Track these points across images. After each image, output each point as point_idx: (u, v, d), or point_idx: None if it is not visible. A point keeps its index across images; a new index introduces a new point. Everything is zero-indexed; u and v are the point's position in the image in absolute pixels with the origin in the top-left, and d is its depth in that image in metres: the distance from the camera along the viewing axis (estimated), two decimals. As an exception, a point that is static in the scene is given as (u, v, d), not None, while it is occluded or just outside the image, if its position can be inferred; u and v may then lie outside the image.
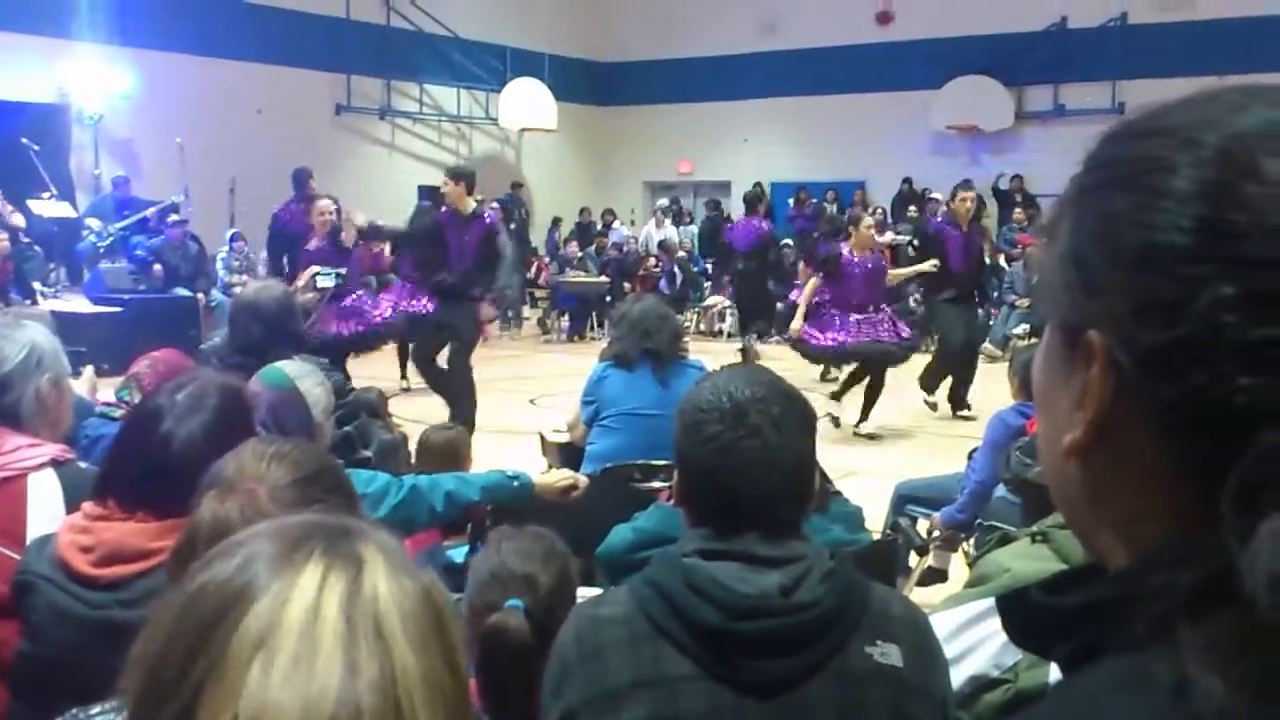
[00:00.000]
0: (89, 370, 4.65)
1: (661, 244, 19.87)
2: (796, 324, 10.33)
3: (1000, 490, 4.98)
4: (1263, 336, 0.63)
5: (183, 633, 0.87)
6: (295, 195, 13.21)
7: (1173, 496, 0.68)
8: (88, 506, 2.23)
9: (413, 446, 5.48)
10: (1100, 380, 0.70)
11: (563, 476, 3.74)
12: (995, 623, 2.26)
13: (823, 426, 9.66)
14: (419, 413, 9.68)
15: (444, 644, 0.91)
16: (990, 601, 2.29)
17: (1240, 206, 0.65)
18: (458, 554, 3.97)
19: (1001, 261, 17.66)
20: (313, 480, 1.64)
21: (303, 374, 3.24)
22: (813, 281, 10.53)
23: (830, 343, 10.05)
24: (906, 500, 5.82)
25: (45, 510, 2.59)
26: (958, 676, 2.15)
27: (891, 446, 9.59)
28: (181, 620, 0.88)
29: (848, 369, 10.50)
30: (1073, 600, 0.73)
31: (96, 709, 1.51)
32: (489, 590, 2.29)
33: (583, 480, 3.71)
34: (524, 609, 2.22)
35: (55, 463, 2.69)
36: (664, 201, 22.08)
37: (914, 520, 5.68)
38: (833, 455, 8.96)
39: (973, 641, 2.27)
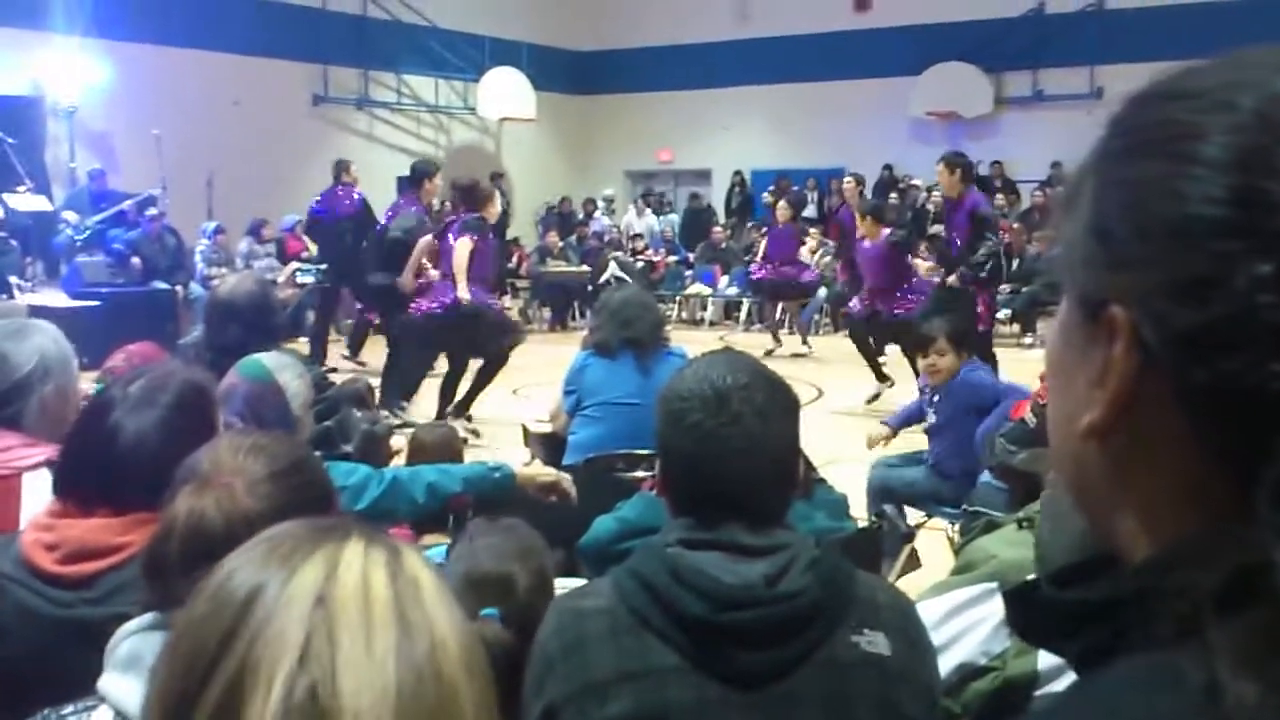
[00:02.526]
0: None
1: (609, 238, 19.76)
2: None
3: (985, 476, 4.99)
4: None
5: (223, 605, 0.86)
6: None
7: (1201, 484, 0.64)
8: (51, 504, 2.19)
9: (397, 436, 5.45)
10: (1123, 359, 0.66)
11: (547, 474, 3.70)
12: (982, 610, 2.25)
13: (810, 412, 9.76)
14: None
15: (470, 626, 0.94)
16: (977, 589, 2.28)
17: (1278, 175, 0.61)
18: (436, 553, 3.92)
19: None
20: (290, 473, 1.61)
21: (282, 366, 3.20)
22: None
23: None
24: (882, 496, 5.85)
25: (38, 509, 2.57)
26: (944, 664, 2.13)
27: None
28: (220, 596, 0.87)
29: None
30: (1090, 594, 0.69)
31: (69, 709, 1.48)
32: (464, 597, 2.17)
33: (567, 481, 3.60)
34: (500, 616, 2.16)
35: (50, 463, 2.67)
36: (608, 192, 22.02)
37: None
38: (815, 442, 8.92)
39: (959, 629, 2.25)
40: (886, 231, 10.45)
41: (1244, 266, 0.60)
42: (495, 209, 9.55)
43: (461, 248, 8.93)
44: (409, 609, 0.86)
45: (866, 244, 10.57)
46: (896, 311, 10.17)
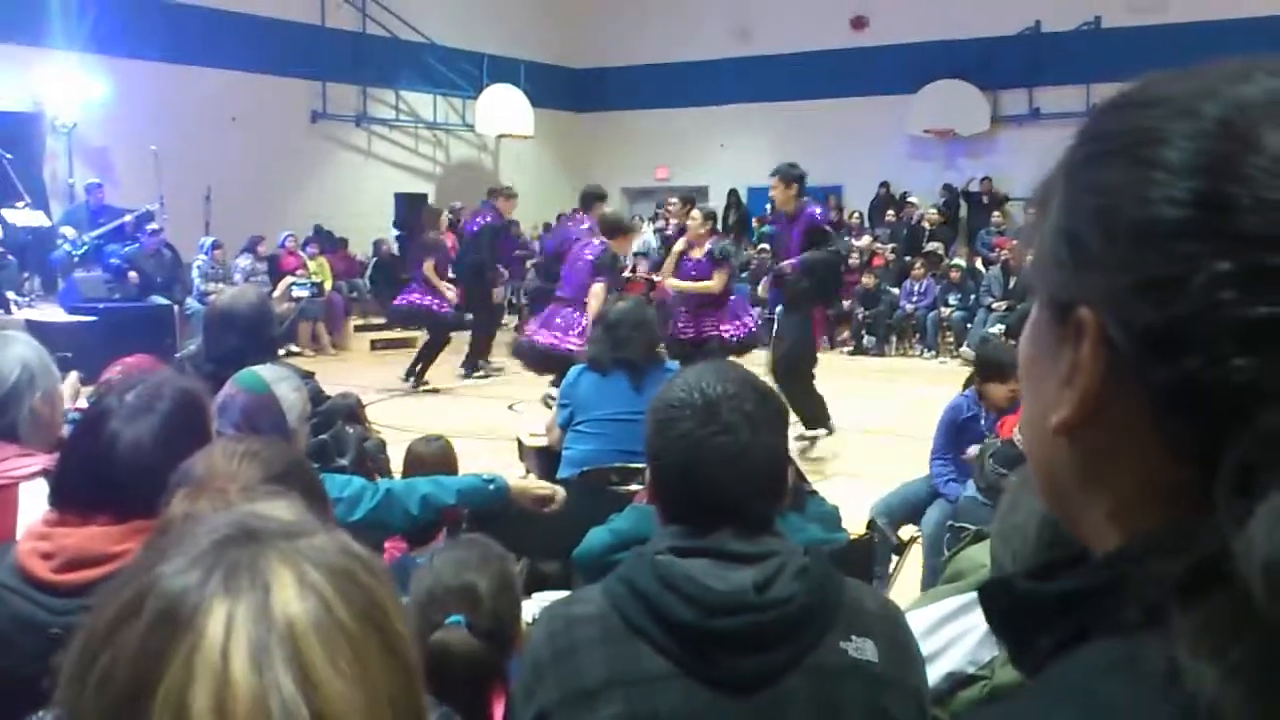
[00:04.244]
0: (73, 376, 4.63)
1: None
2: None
3: (970, 490, 5.02)
4: (1261, 315, 0.61)
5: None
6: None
7: (1167, 479, 0.66)
8: (47, 513, 2.20)
9: (391, 450, 5.46)
10: (1091, 358, 0.68)
11: (541, 486, 3.72)
12: (971, 619, 2.27)
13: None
14: (403, 420, 9.67)
15: (379, 642, 0.85)
16: (966, 598, 2.30)
17: (1239, 180, 0.63)
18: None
19: (978, 265, 17.81)
20: (283, 479, 1.63)
21: (279, 378, 3.22)
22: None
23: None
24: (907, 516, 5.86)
25: (35, 519, 2.59)
26: (934, 673, 2.15)
27: (868, 449, 9.60)
28: (98, 703, 0.81)
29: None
30: (1061, 586, 0.70)
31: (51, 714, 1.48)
32: (429, 610, 2.22)
33: (560, 494, 3.67)
34: (466, 623, 2.18)
35: (46, 472, 2.69)
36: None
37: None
38: (809, 457, 8.96)
39: (949, 638, 2.28)
40: (710, 244, 9.72)
41: (1205, 266, 0.62)
42: (631, 244, 9.56)
43: (595, 298, 8.96)
44: (274, 691, 0.79)
45: (692, 257, 9.72)
46: (722, 333, 9.47)
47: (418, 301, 12.91)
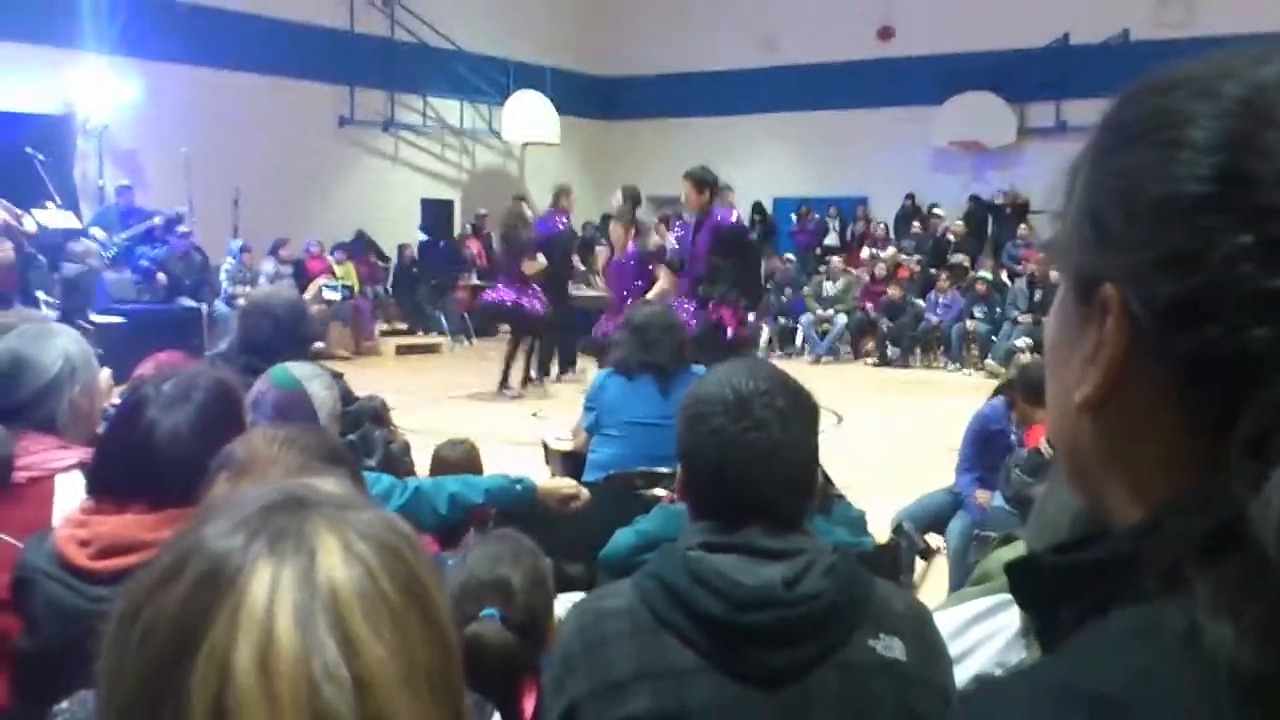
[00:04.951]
0: (106, 372, 4.66)
1: None
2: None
3: (998, 500, 5.01)
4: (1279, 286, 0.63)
5: (138, 683, 0.81)
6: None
7: (1187, 449, 0.68)
8: (84, 501, 2.23)
9: (415, 454, 5.48)
10: (1115, 332, 0.70)
11: (566, 485, 3.75)
12: (999, 621, 2.28)
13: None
14: (428, 425, 9.70)
15: (419, 615, 0.86)
16: (994, 600, 2.31)
17: (1260, 155, 0.65)
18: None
19: (1004, 277, 17.76)
20: (326, 463, 1.64)
21: (311, 376, 3.25)
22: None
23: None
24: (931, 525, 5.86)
25: (71, 510, 2.61)
26: (961, 675, 2.15)
27: (890, 459, 9.58)
28: (139, 661, 0.82)
29: None
30: (1085, 557, 0.72)
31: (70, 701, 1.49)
32: (462, 604, 2.21)
33: (585, 493, 3.70)
34: (500, 616, 2.19)
35: (82, 465, 2.71)
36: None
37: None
38: (833, 468, 8.91)
39: (976, 640, 2.28)
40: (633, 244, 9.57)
41: (1226, 239, 0.64)
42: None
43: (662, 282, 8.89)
44: (317, 657, 0.79)
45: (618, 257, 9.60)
46: None
47: (507, 298, 12.75)
